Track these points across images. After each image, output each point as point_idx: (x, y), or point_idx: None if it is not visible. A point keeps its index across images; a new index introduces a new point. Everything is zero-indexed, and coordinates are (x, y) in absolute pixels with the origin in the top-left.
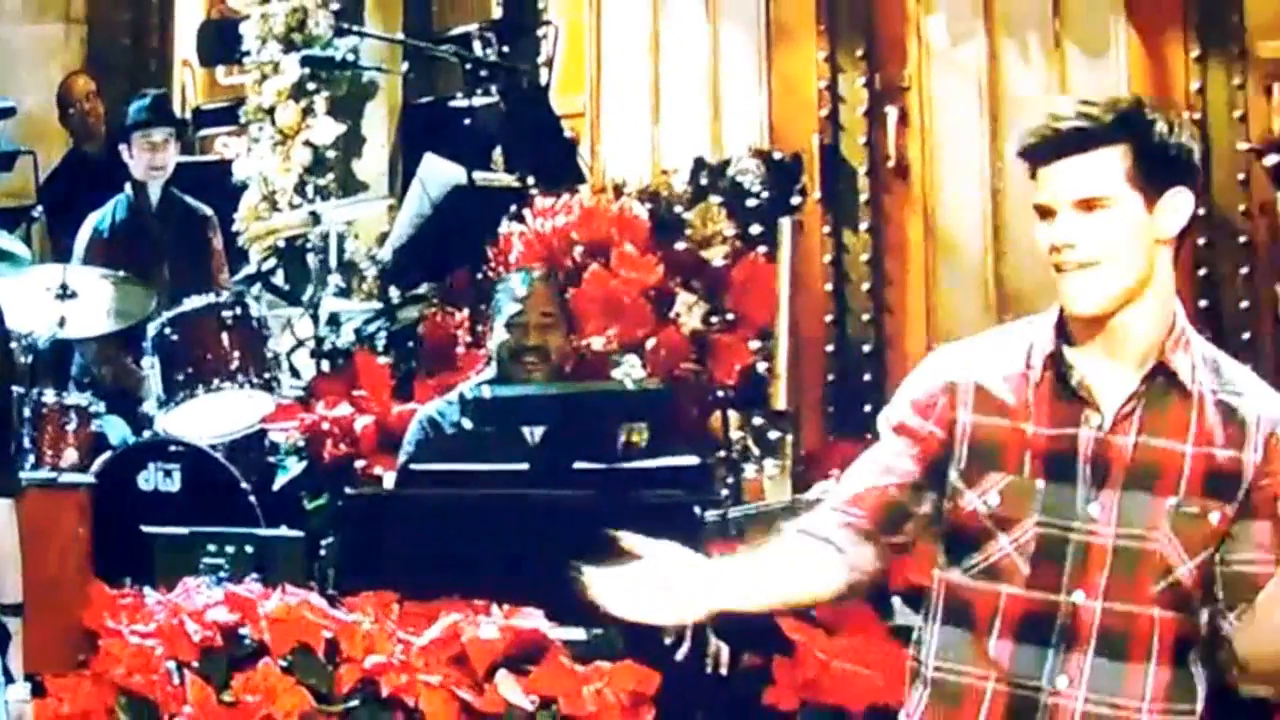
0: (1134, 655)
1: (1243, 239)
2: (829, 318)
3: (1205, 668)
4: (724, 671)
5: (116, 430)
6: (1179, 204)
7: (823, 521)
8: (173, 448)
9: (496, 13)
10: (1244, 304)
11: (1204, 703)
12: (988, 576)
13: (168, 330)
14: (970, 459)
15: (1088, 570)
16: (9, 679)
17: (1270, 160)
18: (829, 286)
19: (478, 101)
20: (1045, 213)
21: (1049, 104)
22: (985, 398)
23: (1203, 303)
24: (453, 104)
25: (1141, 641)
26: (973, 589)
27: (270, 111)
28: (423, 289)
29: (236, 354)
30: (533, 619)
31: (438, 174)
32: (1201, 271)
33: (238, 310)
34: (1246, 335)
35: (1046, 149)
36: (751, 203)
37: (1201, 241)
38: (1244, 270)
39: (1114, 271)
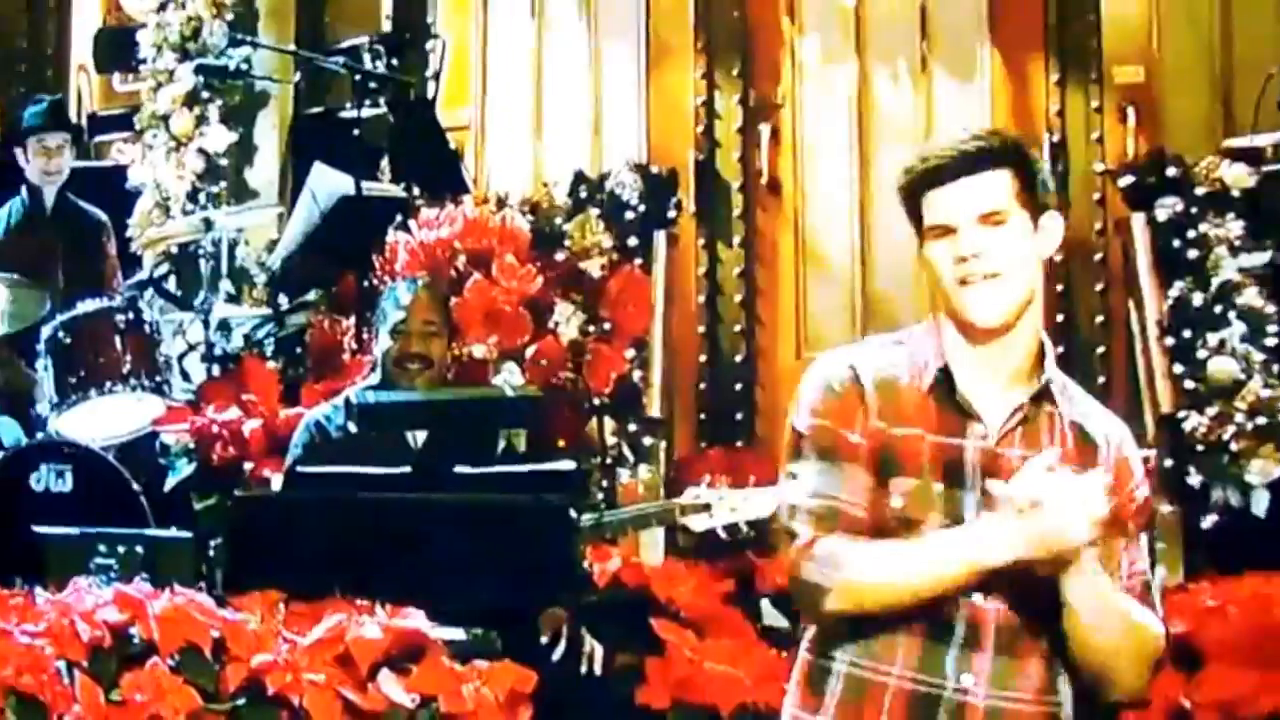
0: (1025, 652)
1: (1098, 256)
2: (701, 328)
3: None
4: (598, 671)
5: (9, 431)
6: (1054, 226)
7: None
8: (65, 449)
9: (386, 26)
10: (1099, 319)
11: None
12: None
13: (61, 333)
14: (883, 464)
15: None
16: None
17: (1124, 181)
18: (702, 298)
19: (366, 113)
20: (945, 231)
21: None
22: (889, 406)
23: (1060, 317)
24: (342, 115)
25: (1033, 638)
26: None
27: (165, 119)
28: (311, 296)
29: (129, 357)
30: (414, 619)
31: (326, 183)
32: (1059, 287)
33: (130, 314)
34: (1101, 349)
35: (946, 171)
36: (629, 216)
37: (1059, 258)
38: (1099, 286)
39: (1014, 284)
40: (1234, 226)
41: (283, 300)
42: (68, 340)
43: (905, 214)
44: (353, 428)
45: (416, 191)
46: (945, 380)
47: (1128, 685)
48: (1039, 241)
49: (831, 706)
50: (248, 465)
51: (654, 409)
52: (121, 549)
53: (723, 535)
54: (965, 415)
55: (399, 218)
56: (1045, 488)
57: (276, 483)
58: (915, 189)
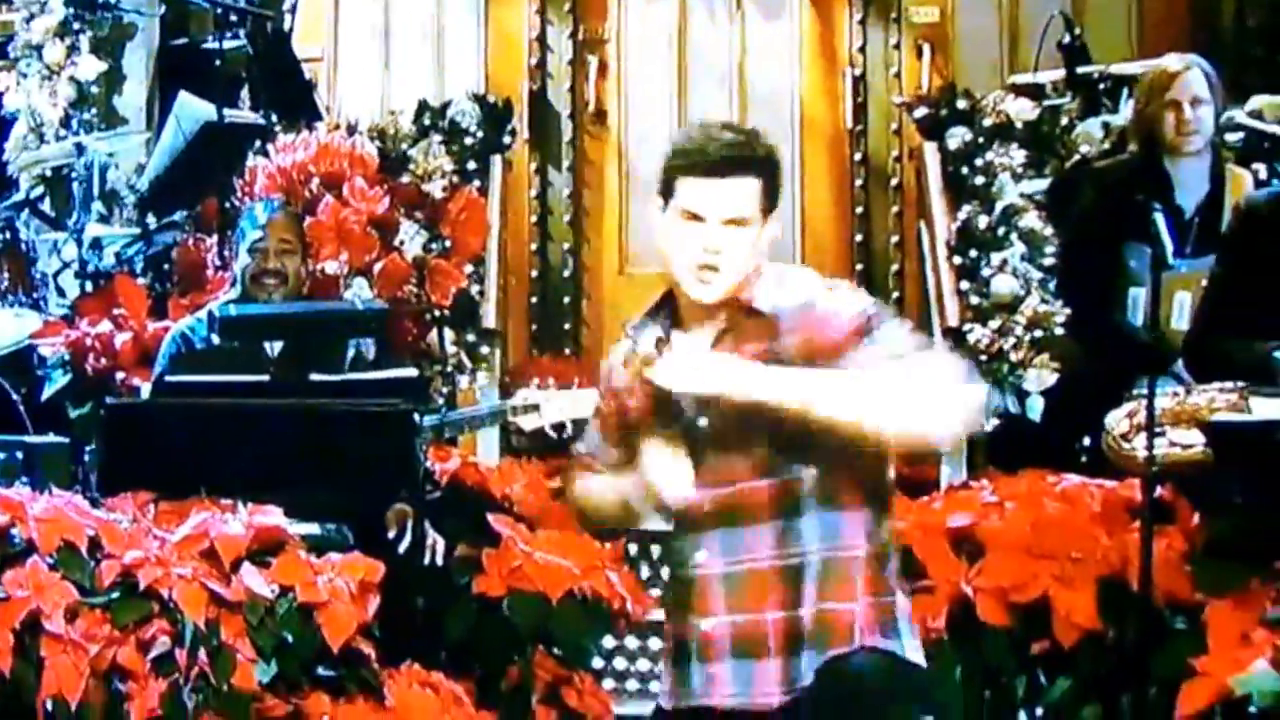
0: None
1: (894, 182)
2: (533, 246)
3: None
4: (440, 562)
5: None
6: (774, 227)
7: None
8: None
9: None
10: (894, 240)
11: None
12: None
13: None
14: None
15: None
16: None
17: (919, 113)
18: (534, 218)
19: (227, 44)
20: (693, 218)
21: (703, 124)
22: None
23: (858, 237)
24: (205, 46)
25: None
26: None
27: (38, 48)
28: (177, 216)
29: (6, 275)
30: (273, 516)
31: (191, 111)
32: (858, 210)
33: (8, 235)
34: (895, 267)
35: (707, 168)
36: (468, 142)
37: (859, 183)
38: (894, 209)
39: (737, 274)
40: (1017, 156)
41: (151, 220)
42: None
43: (659, 180)
44: (215, 339)
45: (274, 119)
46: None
47: (927, 428)
48: (766, 235)
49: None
50: (119, 375)
51: (489, 320)
52: (1, 455)
53: (551, 434)
54: None
55: (258, 143)
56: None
57: (146, 391)
58: (675, 171)
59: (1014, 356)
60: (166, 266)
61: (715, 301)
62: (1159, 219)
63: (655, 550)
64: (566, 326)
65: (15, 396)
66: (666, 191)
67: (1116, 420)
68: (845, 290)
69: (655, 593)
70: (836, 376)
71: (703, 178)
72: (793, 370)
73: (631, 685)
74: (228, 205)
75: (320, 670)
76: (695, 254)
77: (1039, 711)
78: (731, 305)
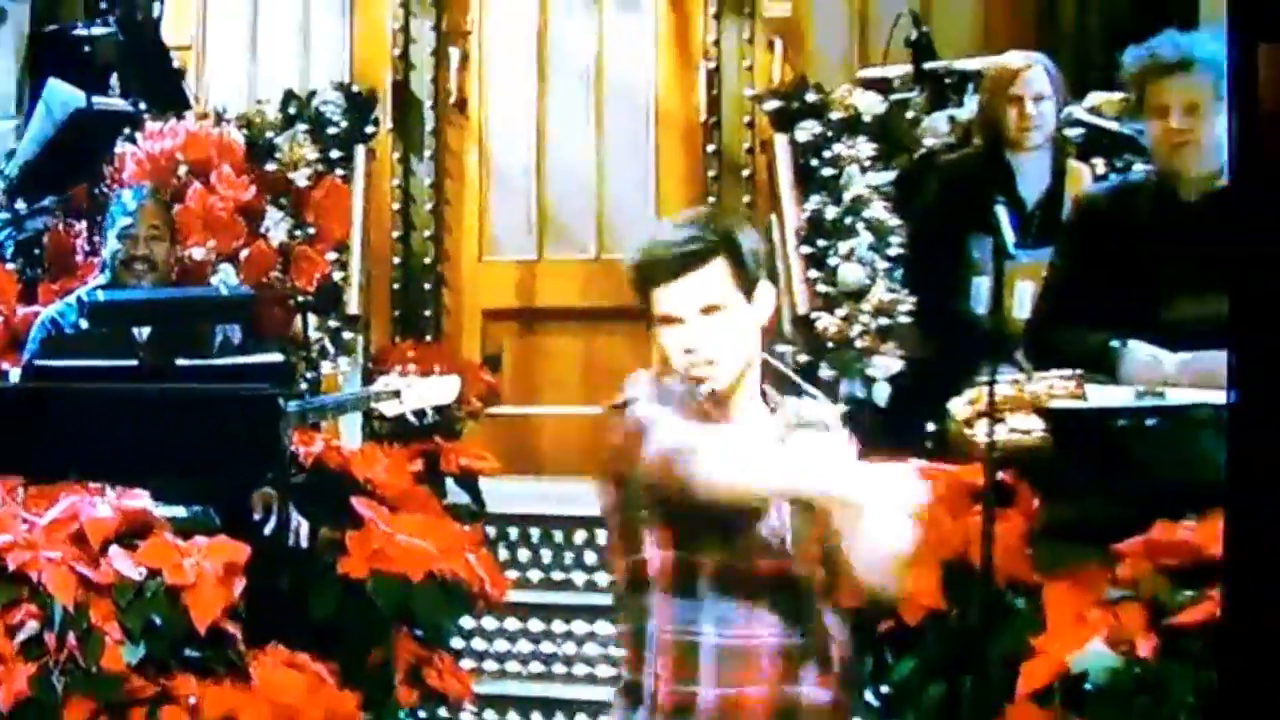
0: None
1: (746, 172)
2: (396, 234)
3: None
4: (305, 544)
5: None
6: (767, 294)
7: None
8: None
9: None
10: None
11: None
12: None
13: None
14: None
15: None
16: None
17: (770, 105)
18: (396, 206)
19: (97, 31)
20: (671, 321)
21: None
22: None
23: None
24: (75, 33)
25: None
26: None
27: None
28: (47, 202)
29: None
30: (141, 500)
31: (60, 97)
32: (711, 200)
33: None
34: None
35: (667, 271)
36: (332, 131)
37: (712, 174)
38: (746, 199)
39: (734, 359)
40: (865, 148)
41: (21, 206)
42: None
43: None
44: (84, 324)
45: (143, 106)
46: None
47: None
48: (755, 311)
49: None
50: None
51: (353, 306)
52: None
53: (412, 419)
54: None
55: (127, 130)
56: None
57: (15, 376)
58: (642, 284)
59: (861, 344)
60: (36, 252)
61: (723, 393)
62: (1001, 211)
63: (513, 532)
64: (428, 313)
65: None
66: (645, 306)
67: (959, 406)
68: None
69: (512, 575)
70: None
71: (668, 283)
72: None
73: (490, 665)
74: (97, 192)
75: (187, 651)
76: (683, 356)
77: (885, 690)
78: (745, 401)
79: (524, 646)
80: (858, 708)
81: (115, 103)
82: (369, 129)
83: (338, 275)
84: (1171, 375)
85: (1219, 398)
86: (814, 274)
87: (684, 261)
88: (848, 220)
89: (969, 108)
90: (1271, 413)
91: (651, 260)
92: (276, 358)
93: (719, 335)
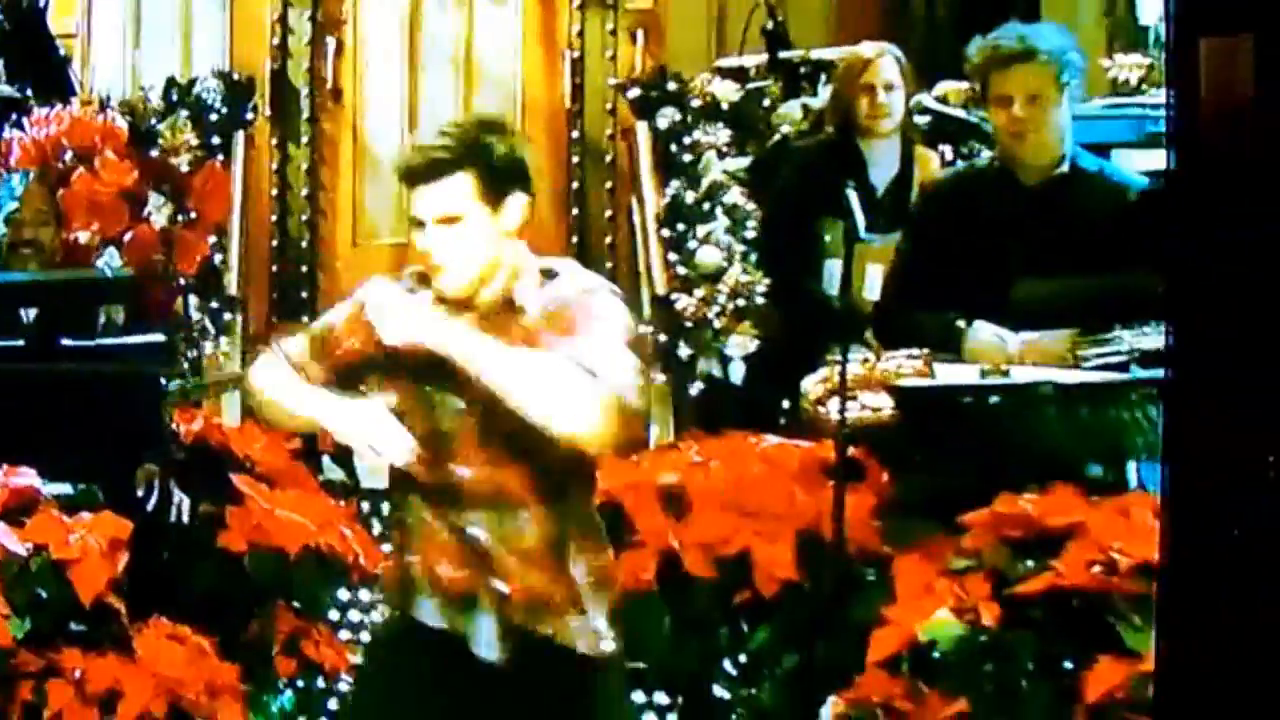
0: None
1: (608, 158)
2: (273, 218)
3: None
4: (186, 519)
5: None
6: (517, 204)
7: None
8: None
9: None
10: (608, 213)
11: None
12: None
13: None
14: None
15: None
16: None
17: (632, 93)
18: (274, 191)
19: None
20: (416, 224)
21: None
22: None
23: (575, 211)
24: None
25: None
26: None
27: None
28: None
29: None
30: (27, 477)
31: None
32: (575, 185)
33: None
34: (609, 239)
35: (414, 177)
36: (213, 118)
37: (576, 160)
38: (608, 185)
39: (465, 269)
40: (722, 135)
41: None
42: None
43: None
44: None
45: (29, 92)
46: None
47: (563, 421)
48: (503, 220)
49: None
50: None
51: (233, 288)
52: None
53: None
54: None
55: (13, 116)
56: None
57: None
58: (401, 184)
59: (718, 324)
60: None
61: (458, 296)
62: (852, 195)
63: (385, 507)
64: (304, 295)
65: None
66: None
67: (812, 384)
68: (604, 295)
69: (386, 548)
70: (517, 351)
71: (417, 186)
72: (481, 337)
73: (365, 636)
74: None
75: (73, 625)
76: (422, 257)
77: (743, 659)
78: (491, 301)
79: None
80: (717, 676)
81: (1, 89)
82: (248, 116)
83: (218, 258)
84: (1014, 354)
85: (1059, 376)
86: (673, 256)
87: (427, 172)
88: (705, 205)
89: (822, 96)
90: (1204, 390)
91: (404, 166)
92: (158, 338)
93: (452, 245)
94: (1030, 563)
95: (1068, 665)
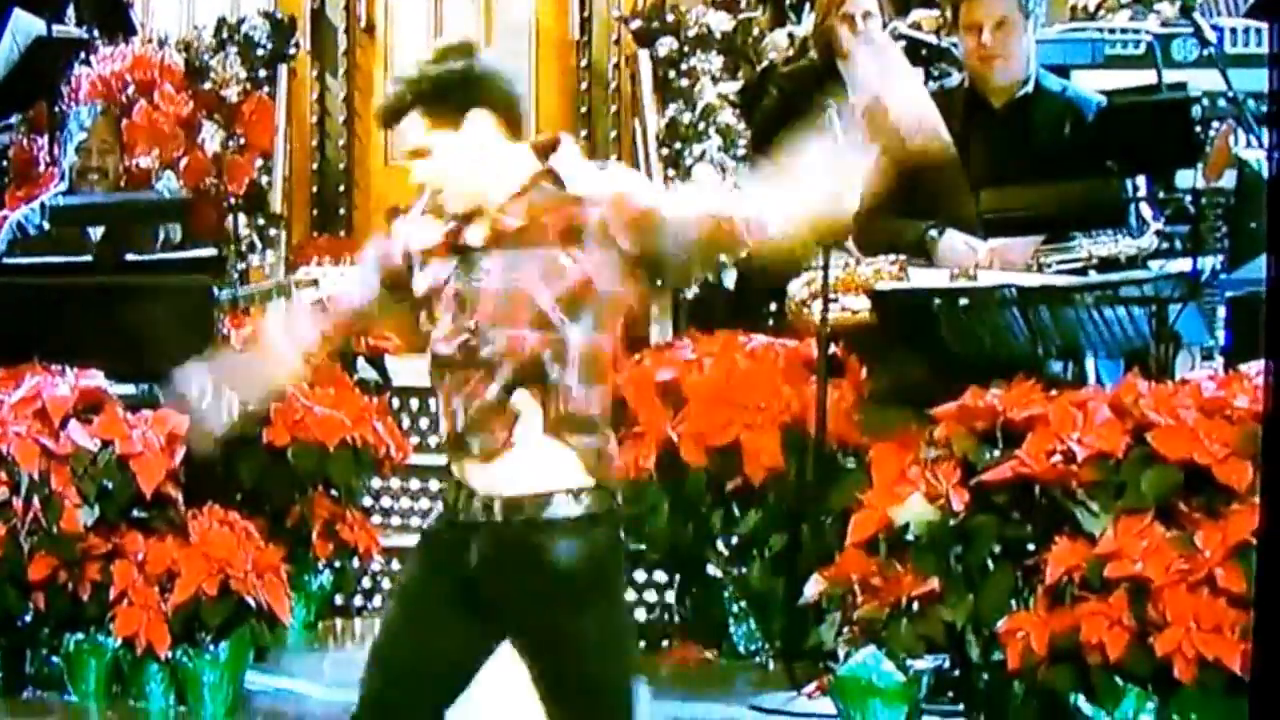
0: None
1: (613, 85)
2: (313, 142)
3: None
4: (235, 416)
5: None
6: (478, 119)
7: None
8: None
9: None
10: (613, 134)
11: None
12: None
13: None
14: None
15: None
16: None
17: (634, 25)
18: (314, 118)
19: None
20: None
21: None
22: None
23: (583, 133)
24: None
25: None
26: None
27: None
28: (11, 119)
29: None
30: (95, 379)
31: (24, 25)
32: (583, 109)
33: None
34: (613, 158)
35: (383, 124)
36: (259, 53)
37: (584, 86)
38: (613, 108)
39: (456, 189)
40: (715, 62)
41: None
42: None
43: None
44: (47, 226)
45: (95, 33)
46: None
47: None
48: (470, 136)
49: None
50: None
51: (277, 206)
52: None
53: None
54: None
55: (81, 55)
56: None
57: None
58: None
59: None
60: (3, 164)
61: (469, 209)
62: (834, 114)
63: (414, 403)
64: (341, 211)
65: None
66: None
67: (797, 288)
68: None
69: (414, 440)
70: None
71: (391, 127)
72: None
73: (395, 521)
74: (56, 110)
75: (135, 513)
76: (420, 187)
77: (734, 540)
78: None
79: (424, 504)
80: (710, 555)
81: (71, 30)
82: (290, 51)
83: (264, 180)
84: (982, 260)
85: (1022, 280)
86: (671, 172)
87: (387, 118)
88: (700, 126)
89: (806, 24)
90: None
91: (376, 114)
92: (211, 252)
93: (432, 171)
94: (996, 452)
95: (1030, 547)
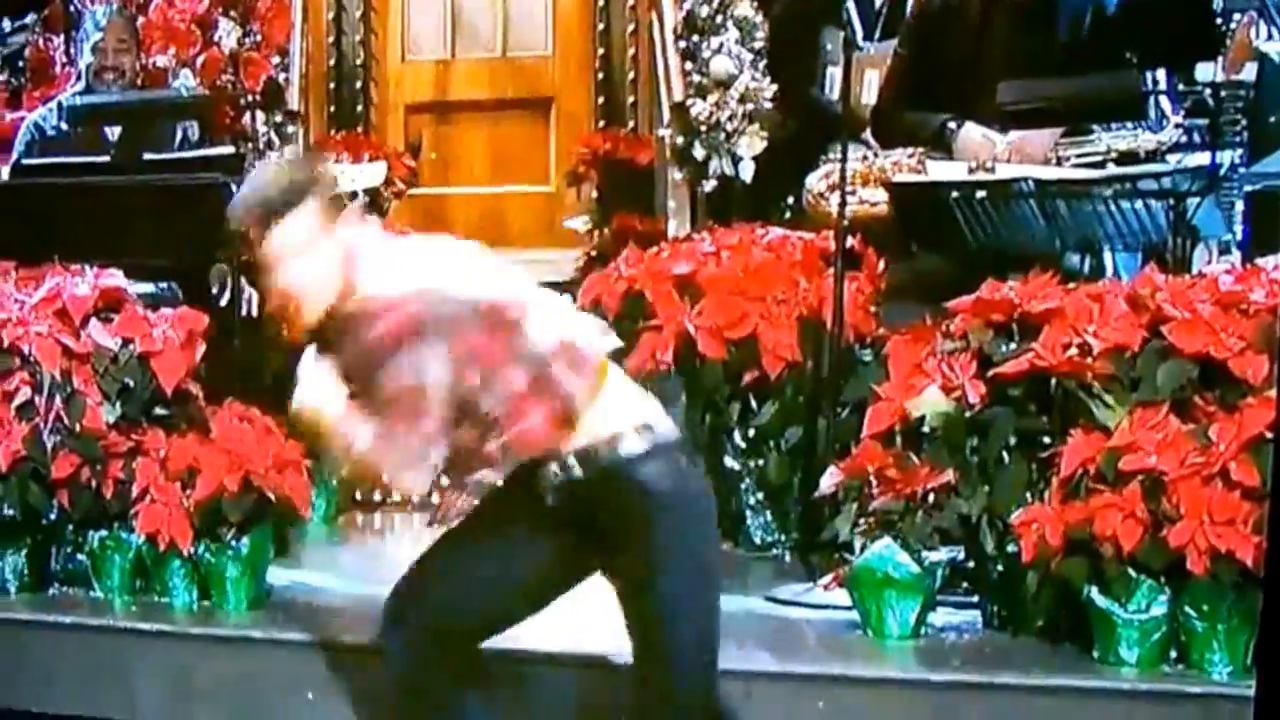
0: None
1: None
2: (330, 38)
3: None
4: (255, 313)
5: None
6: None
7: None
8: None
9: None
10: (630, 28)
11: None
12: None
13: None
14: None
15: None
16: None
17: None
18: (330, 14)
19: None
20: None
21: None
22: None
23: (600, 26)
24: None
25: None
26: None
27: None
28: (28, 19)
29: None
30: (115, 278)
31: None
32: (600, 4)
33: None
34: (631, 51)
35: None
36: None
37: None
38: (630, 3)
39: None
40: None
41: (5, 24)
42: None
43: None
44: (64, 126)
45: None
46: None
47: None
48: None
49: None
50: None
51: (293, 103)
52: None
53: (346, 200)
54: None
55: None
56: None
57: (5, 174)
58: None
59: (729, 127)
60: (20, 64)
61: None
62: (851, 7)
63: None
64: (358, 108)
65: None
66: None
67: (815, 181)
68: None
69: None
70: None
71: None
72: None
73: None
74: (71, 9)
75: (157, 410)
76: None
77: (751, 433)
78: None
79: None
80: (727, 448)
81: None
82: None
83: (280, 76)
84: (1000, 153)
85: (1040, 173)
86: (688, 66)
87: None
88: (718, 18)
89: None
90: None
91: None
92: (228, 150)
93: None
94: (1011, 345)
95: (1045, 440)
